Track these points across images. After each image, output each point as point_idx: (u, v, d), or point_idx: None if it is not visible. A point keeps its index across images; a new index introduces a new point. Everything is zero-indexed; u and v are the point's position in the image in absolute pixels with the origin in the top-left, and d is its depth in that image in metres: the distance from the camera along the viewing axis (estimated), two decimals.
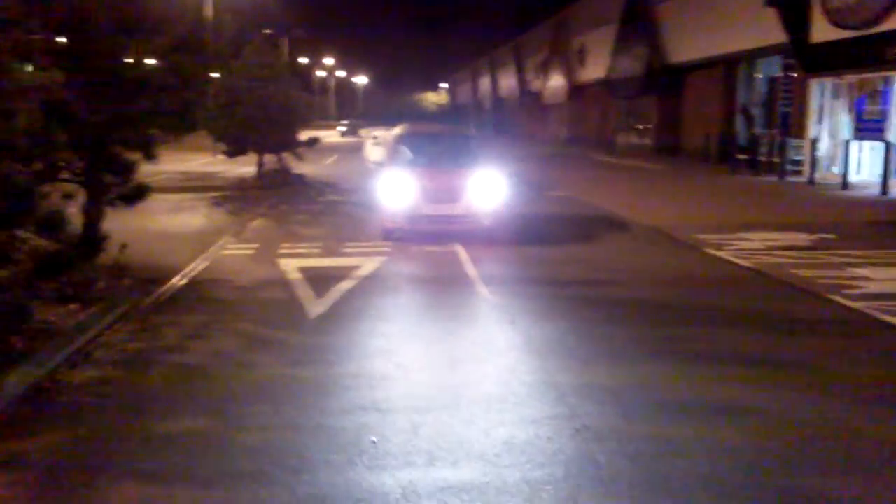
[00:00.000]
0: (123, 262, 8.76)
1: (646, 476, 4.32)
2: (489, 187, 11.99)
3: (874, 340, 7.11)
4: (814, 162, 22.37)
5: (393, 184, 12.06)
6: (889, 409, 5.37)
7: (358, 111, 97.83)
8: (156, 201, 9.77)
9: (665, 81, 35.18)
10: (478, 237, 11.88)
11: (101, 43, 7.90)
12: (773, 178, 23.19)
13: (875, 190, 18.79)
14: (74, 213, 7.96)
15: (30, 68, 7.39)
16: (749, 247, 11.65)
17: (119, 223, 9.28)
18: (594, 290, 9.15)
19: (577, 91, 50.35)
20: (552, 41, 55.07)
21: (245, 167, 24.61)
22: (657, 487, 4.20)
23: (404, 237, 11.93)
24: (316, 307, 8.11)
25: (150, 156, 8.91)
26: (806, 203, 17.59)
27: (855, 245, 11.79)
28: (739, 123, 30.02)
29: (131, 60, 8.44)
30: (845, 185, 20.02)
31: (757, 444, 4.75)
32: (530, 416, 5.15)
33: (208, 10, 23.70)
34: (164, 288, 8.89)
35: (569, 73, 51.45)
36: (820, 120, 23.29)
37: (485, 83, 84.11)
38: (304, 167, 24.72)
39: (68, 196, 7.86)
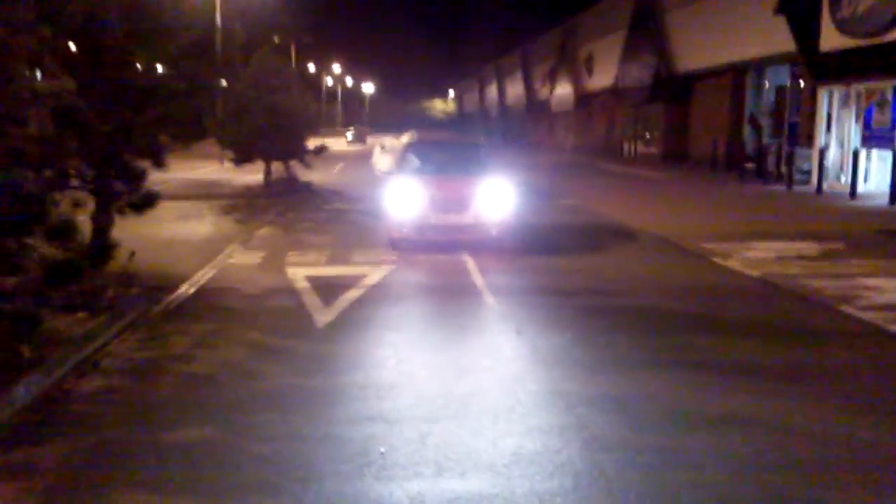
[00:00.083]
0: (132, 270, 8.78)
1: (655, 488, 4.30)
2: (498, 197, 11.94)
3: (883, 352, 7.07)
4: (822, 171, 22.30)
5: (400, 193, 12.02)
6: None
7: (365, 119, 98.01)
8: (163, 209, 9.79)
9: (673, 89, 35.18)
10: (486, 247, 11.85)
11: (113, 50, 7.93)
12: (781, 187, 23.13)
13: (883, 199, 18.72)
14: (84, 221, 7.99)
15: (39, 75, 7.43)
16: (757, 256, 11.61)
17: (127, 231, 9.30)
18: (601, 299, 9.13)
19: (584, 99, 50.40)
20: (560, 49, 55.13)
21: (252, 175, 24.67)
22: (667, 499, 4.18)
23: (412, 246, 11.91)
24: (323, 316, 8.11)
25: (159, 163, 8.94)
26: (814, 212, 17.53)
27: (864, 255, 11.74)
28: (747, 132, 29.98)
29: (142, 68, 8.46)
30: (853, 194, 19.95)
31: (766, 456, 4.72)
32: (538, 427, 5.14)
33: (217, 19, 23.83)
34: (172, 296, 8.91)
35: (576, 82, 51.50)
36: (828, 129, 23.22)
37: (492, 91, 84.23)
38: (312, 175, 24.77)
39: (78, 204, 7.88)
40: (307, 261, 11.25)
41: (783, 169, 24.30)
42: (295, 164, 23.86)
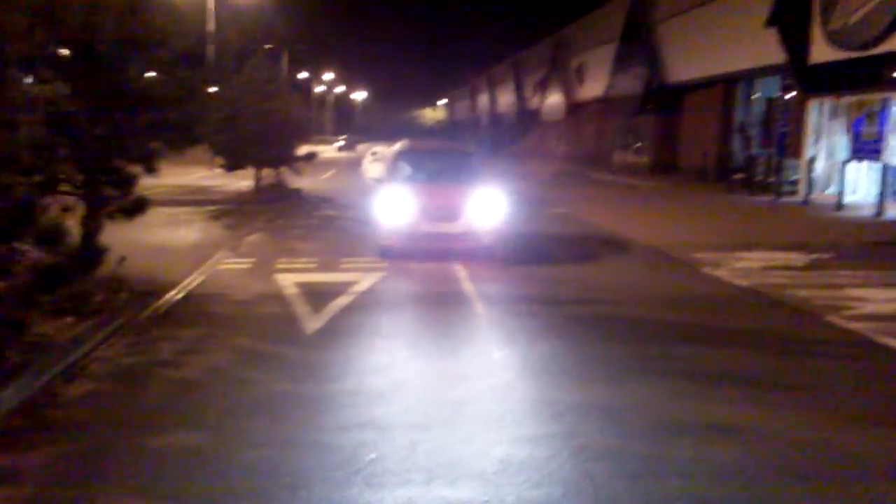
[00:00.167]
0: (121, 275, 8.75)
1: (644, 496, 4.31)
2: (489, 206, 11.89)
3: (870, 362, 7.11)
4: (810, 182, 22.45)
5: (391, 200, 11.97)
6: (885, 431, 5.37)
7: (356, 126, 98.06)
8: (153, 214, 9.77)
9: (663, 100, 35.35)
10: (476, 256, 11.82)
11: (106, 56, 7.92)
12: (770, 198, 23.25)
13: (871, 211, 18.85)
14: (73, 226, 7.96)
15: (30, 80, 7.42)
16: (746, 266, 11.67)
17: (116, 236, 9.26)
18: (591, 308, 9.15)
19: (575, 109, 50.59)
20: (551, 59, 55.37)
21: (242, 181, 24.64)
22: None
23: (402, 255, 11.86)
24: (313, 322, 8.10)
25: (151, 169, 8.92)
26: (802, 223, 17.64)
27: (851, 265, 11.82)
28: (737, 143, 30.15)
29: (134, 74, 8.45)
30: (841, 205, 20.09)
31: (755, 465, 4.74)
32: (528, 435, 5.14)
33: (211, 25, 23.82)
34: (160, 302, 8.88)
35: (567, 91, 51.71)
36: (817, 140, 23.39)
37: (483, 100, 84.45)
38: (302, 182, 24.76)
39: (67, 209, 7.86)
40: (297, 267, 11.24)
41: (772, 180, 24.44)
42: (285, 171, 23.85)
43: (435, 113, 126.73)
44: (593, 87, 45.46)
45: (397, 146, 14.27)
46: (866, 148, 21.34)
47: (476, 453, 4.85)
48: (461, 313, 8.74)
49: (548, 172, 38.05)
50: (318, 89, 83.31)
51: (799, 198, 22.48)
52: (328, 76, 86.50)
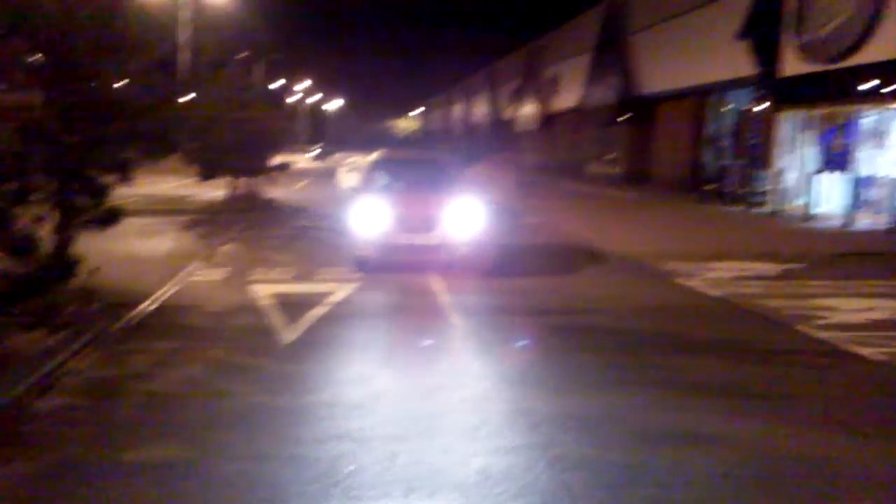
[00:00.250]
0: (93, 286, 8.65)
1: None
2: (466, 216, 11.84)
3: (841, 370, 7.21)
4: (781, 193, 22.75)
5: (367, 211, 11.88)
6: (857, 438, 5.44)
7: (330, 136, 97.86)
8: (126, 224, 9.66)
9: (636, 111, 35.68)
10: (453, 267, 11.76)
11: (81, 64, 7.85)
12: (741, 209, 23.53)
13: (840, 221, 19.14)
14: (45, 236, 7.87)
15: (2, 87, 7.34)
16: (718, 276, 11.79)
17: (88, 246, 9.15)
18: (566, 319, 9.19)
19: (549, 119, 50.89)
20: (525, 70, 55.71)
21: (216, 191, 24.47)
22: None
23: (378, 266, 11.77)
24: (289, 334, 8.06)
25: (125, 178, 8.84)
26: (773, 234, 17.86)
27: (821, 275, 11.99)
28: (709, 154, 30.47)
29: (109, 82, 8.38)
30: (811, 216, 20.38)
31: (731, 473, 4.78)
32: (506, 446, 5.15)
33: (184, 34, 23.70)
34: (133, 313, 8.78)
35: (542, 102, 52.01)
36: (788, 152, 23.71)
37: (458, 110, 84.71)
38: (276, 192, 24.65)
39: (40, 218, 7.76)
40: (271, 278, 11.18)
41: (743, 191, 24.73)
42: (259, 181, 23.74)
43: (409, 123, 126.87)
44: (567, 98, 45.78)
45: (373, 156, 14.24)
46: (836, 159, 21.66)
47: (454, 465, 4.85)
48: (437, 324, 8.74)
49: (522, 182, 38.18)
50: (293, 99, 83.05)
51: (770, 208, 22.77)
52: (302, 85, 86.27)
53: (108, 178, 8.89)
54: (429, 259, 11.73)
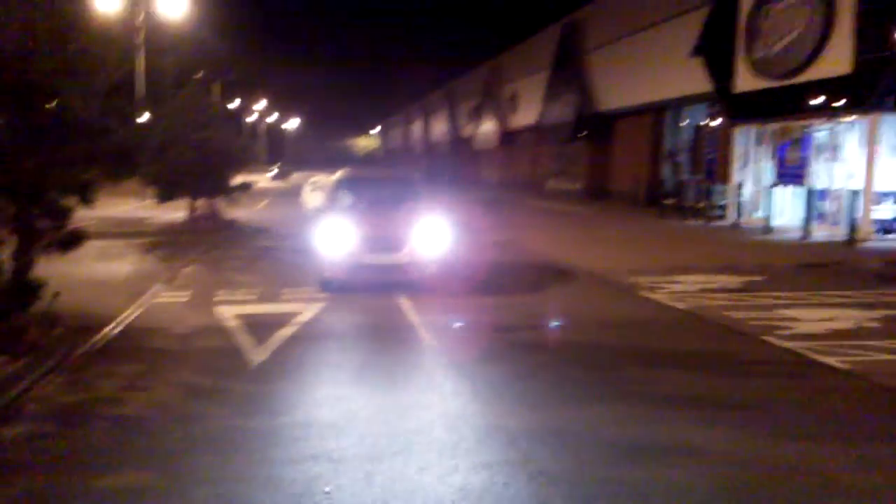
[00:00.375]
0: (55, 310, 8.47)
1: None
2: (432, 235, 11.79)
3: (809, 380, 7.32)
4: (739, 207, 23.17)
5: (332, 231, 11.76)
6: (829, 446, 5.52)
7: (289, 155, 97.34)
8: (85, 247, 9.47)
9: (595, 127, 36.13)
10: (420, 286, 11.65)
11: (40, 84, 7.71)
12: (700, 223, 23.91)
13: (797, 233, 19.53)
14: (4, 261, 7.70)
15: None
16: (682, 289, 11.93)
17: (47, 269, 8.96)
18: (536, 335, 9.22)
19: (508, 136, 51.29)
20: (484, 87, 56.12)
21: (175, 212, 24.17)
22: None
23: (344, 286, 11.65)
24: (257, 355, 7.96)
25: (86, 200, 8.68)
26: (733, 246, 18.15)
27: (782, 287, 12.19)
28: (667, 169, 30.95)
29: (69, 103, 8.24)
30: (769, 228, 20.78)
31: (707, 484, 4.82)
32: (483, 462, 5.13)
33: (143, 54, 23.45)
34: (97, 337, 8.61)
35: (501, 119, 52.40)
36: (744, 166, 24.18)
37: (417, 128, 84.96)
38: (236, 212, 24.43)
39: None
40: (236, 299, 11.04)
41: (701, 205, 25.14)
42: (220, 201, 23.51)
43: (368, 141, 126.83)
44: (526, 115, 46.20)
45: (337, 175, 14.14)
46: (791, 173, 22.14)
47: (433, 483, 4.81)
48: (408, 343, 8.70)
49: (483, 200, 38.36)
50: (251, 119, 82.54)
51: (728, 222, 23.18)
52: (259, 105, 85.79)
53: (69, 201, 8.73)
54: (395, 278, 11.63)
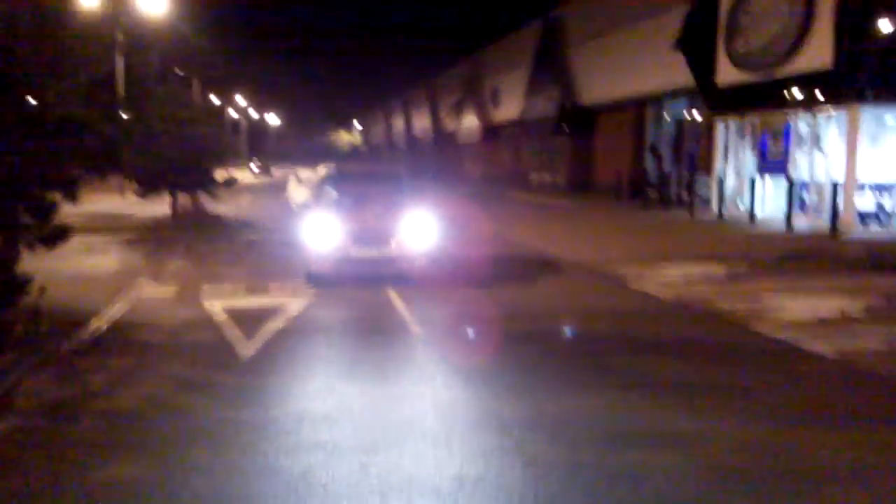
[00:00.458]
0: (42, 305, 8.40)
1: None
2: (419, 228, 11.80)
3: (796, 366, 7.40)
4: (721, 198, 23.33)
5: (318, 225, 11.73)
6: (819, 432, 5.59)
7: (270, 151, 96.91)
8: (69, 243, 9.40)
9: (577, 121, 36.24)
10: (408, 279, 11.64)
11: (24, 81, 7.65)
12: (683, 214, 24.05)
13: (779, 224, 19.70)
14: None
15: None
16: (669, 280, 12.01)
17: (32, 265, 8.88)
18: (526, 325, 9.24)
19: (491, 130, 51.32)
20: (467, 82, 56.11)
21: (159, 207, 24.02)
22: None
23: (332, 280, 11.62)
24: (246, 349, 7.94)
25: (71, 196, 8.62)
26: (716, 237, 18.28)
27: (768, 276, 12.30)
28: (649, 161, 31.09)
29: (52, 99, 8.16)
30: (751, 219, 20.95)
31: (701, 470, 4.87)
32: (478, 451, 5.16)
33: (123, 53, 23.27)
34: (85, 332, 8.56)
35: (483, 114, 52.42)
36: (726, 158, 24.34)
37: (399, 123, 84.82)
38: (220, 207, 24.32)
39: None
40: (223, 293, 11.00)
41: (684, 196, 25.30)
42: (203, 196, 23.40)
43: (350, 136, 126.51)
44: (509, 109, 46.24)
45: (324, 169, 14.12)
46: (772, 164, 22.31)
47: (428, 472, 4.83)
48: (397, 335, 8.71)
49: (467, 194, 38.38)
50: (232, 114, 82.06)
51: (711, 213, 23.33)
52: (242, 101, 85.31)
53: (54, 196, 8.66)
54: (383, 272, 11.63)
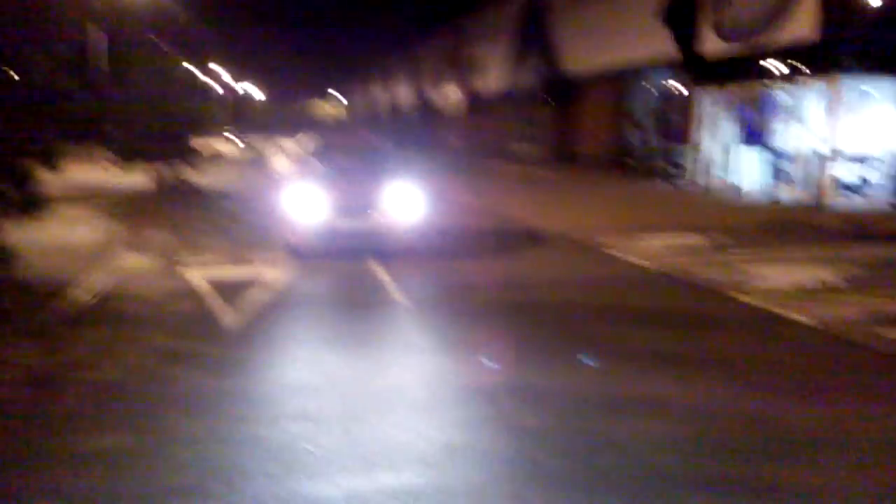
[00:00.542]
0: (23, 276, 8.33)
1: (586, 472, 4.41)
2: (403, 200, 11.72)
3: (779, 335, 7.48)
4: (703, 169, 23.39)
5: (302, 196, 11.63)
6: (799, 398, 5.66)
7: (250, 121, 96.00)
8: (50, 213, 9.29)
9: (560, 92, 36.11)
10: (391, 250, 11.58)
11: (4, 48, 7.52)
12: (665, 184, 24.12)
13: (759, 194, 19.82)
14: None
15: None
16: (651, 250, 12.06)
17: (14, 236, 8.81)
18: (511, 295, 9.26)
19: (475, 101, 51.04)
20: (450, 52, 55.69)
21: (138, 177, 23.75)
22: (599, 482, 4.29)
23: (316, 252, 11.51)
24: (230, 318, 7.91)
25: (52, 165, 8.52)
26: (698, 207, 18.37)
27: (748, 246, 12.38)
28: (632, 132, 31.07)
29: (35, 67, 8.04)
30: (732, 189, 21.04)
31: (685, 436, 4.93)
32: (465, 419, 5.19)
33: (103, 23, 22.83)
34: (66, 302, 8.49)
35: (466, 84, 52.10)
36: (708, 129, 24.35)
37: (382, 94, 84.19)
38: (201, 177, 24.10)
39: None
40: (206, 264, 10.93)
41: (666, 167, 25.36)
42: (183, 166, 23.17)
43: (333, 107, 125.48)
44: (492, 80, 45.98)
45: (307, 140, 14.00)
46: (752, 135, 22.35)
47: (415, 440, 4.85)
48: (382, 305, 8.71)
49: (450, 165, 38.26)
50: (212, 83, 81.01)
51: (692, 183, 23.40)
52: (224, 72, 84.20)
53: (35, 166, 8.56)
54: (367, 243, 11.57)
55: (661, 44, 25.18)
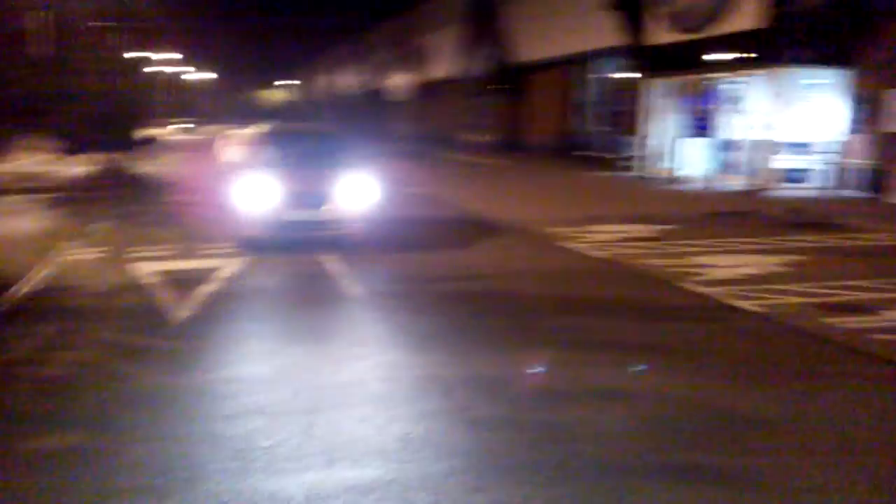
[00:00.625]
0: None
1: (544, 461, 4.45)
2: (356, 190, 11.56)
3: (726, 322, 7.64)
4: (648, 158, 23.73)
5: (251, 186, 11.37)
6: (748, 384, 5.80)
7: (196, 109, 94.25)
8: None
9: (508, 80, 36.24)
10: (344, 241, 11.42)
11: None
12: (611, 174, 24.41)
13: (703, 184, 20.19)
14: None
15: None
16: (600, 239, 12.20)
17: None
18: (463, 285, 9.29)
19: (422, 89, 50.93)
20: (398, 39, 55.40)
21: (78, 166, 23.16)
22: (557, 471, 4.34)
23: (265, 244, 11.27)
24: (178, 312, 7.77)
25: None
26: (644, 197, 18.63)
27: (694, 235, 12.60)
28: (579, 121, 31.36)
29: None
30: (678, 179, 21.38)
31: (641, 425, 5.01)
32: (422, 411, 5.19)
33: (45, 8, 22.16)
34: (6, 296, 8.26)
35: (414, 72, 51.94)
36: (653, 118, 24.69)
37: (327, 81, 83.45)
38: (146, 166, 23.60)
39: None
40: (153, 255, 10.71)
41: (612, 156, 25.68)
42: (126, 155, 22.67)
43: (280, 94, 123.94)
44: (440, 68, 45.94)
45: (256, 128, 13.74)
46: (697, 125, 22.74)
47: (373, 432, 4.84)
48: (335, 298, 8.65)
49: (399, 153, 38.11)
50: (158, 71, 79.29)
51: (637, 173, 23.73)
52: (168, 57, 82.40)
53: None
54: (318, 235, 11.37)
55: (610, 33, 25.42)
